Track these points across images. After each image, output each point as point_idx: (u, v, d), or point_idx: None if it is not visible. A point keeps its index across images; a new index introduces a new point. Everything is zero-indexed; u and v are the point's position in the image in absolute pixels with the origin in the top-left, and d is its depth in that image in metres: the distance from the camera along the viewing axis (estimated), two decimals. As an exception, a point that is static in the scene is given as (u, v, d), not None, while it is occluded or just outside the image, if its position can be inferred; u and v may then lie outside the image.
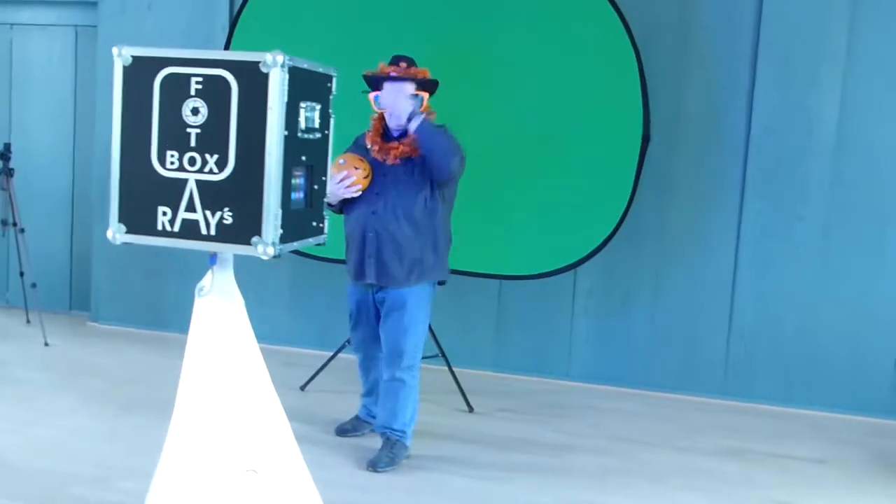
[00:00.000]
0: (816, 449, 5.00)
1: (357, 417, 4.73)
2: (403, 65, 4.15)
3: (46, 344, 6.26)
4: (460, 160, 4.11)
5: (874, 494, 4.35)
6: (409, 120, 4.07)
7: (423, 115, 4.10)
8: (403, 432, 4.34)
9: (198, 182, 2.55)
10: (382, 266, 4.16)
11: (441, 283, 4.39)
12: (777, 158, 5.64)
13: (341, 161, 4.10)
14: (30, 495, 3.75)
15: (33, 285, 6.48)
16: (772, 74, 5.60)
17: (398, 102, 4.09)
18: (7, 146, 6.45)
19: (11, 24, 7.23)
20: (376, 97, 4.16)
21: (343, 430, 4.68)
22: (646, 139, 5.34)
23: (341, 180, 4.05)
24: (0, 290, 7.41)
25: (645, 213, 5.78)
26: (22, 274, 6.65)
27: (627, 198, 5.37)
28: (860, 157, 5.53)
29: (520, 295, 6.04)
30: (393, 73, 4.11)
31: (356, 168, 4.10)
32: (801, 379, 5.71)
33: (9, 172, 6.41)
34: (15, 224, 6.44)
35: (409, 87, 4.12)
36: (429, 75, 4.19)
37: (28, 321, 6.79)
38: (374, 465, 4.25)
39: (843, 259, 5.59)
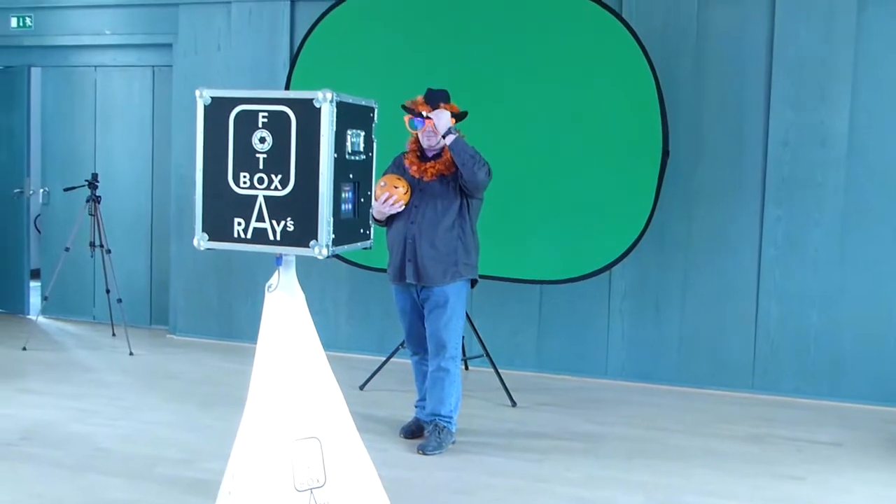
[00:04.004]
0: (835, 434, 5.40)
1: (417, 419, 5.17)
2: (442, 106, 4.72)
3: (131, 353, 6.92)
4: (487, 172, 4.69)
5: (881, 471, 4.75)
6: (447, 135, 4.64)
7: (458, 133, 4.67)
8: (450, 418, 4.87)
9: (265, 197, 3.14)
10: (421, 268, 4.73)
11: (473, 283, 4.94)
12: (794, 169, 6.07)
13: (382, 183, 4.67)
14: (123, 474, 4.36)
15: (119, 301, 7.14)
16: (785, 92, 6.05)
17: (440, 120, 4.66)
18: (94, 176, 7.17)
19: (95, 66, 7.98)
20: (411, 121, 4.74)
21: (409, 432, 5.08)
22: (665, 153, 5.84)
23: (385, 200, 4.63)
24: (88, 306, 8.11)
25: (673, 222, 6.26)
26: (108, 291, 7.33)
27: (651, 206, 5.87)
28: (870, 164, 5.95)
29: (559, 300, 6.54)
30: (426, 114, 4.69)
31: (396, 187, 4.68)
32: (825, 372, 6.10)
33: (96, 199, 7.11)
34: (101, 245, 7.13)
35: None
36: (457, 109, 4.77)
37: (114, 334, 7.48)
38: (423, 449, 4.79)
39: (859, 260, 5.99)
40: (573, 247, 6.13)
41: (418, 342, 5.03)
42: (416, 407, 5.19)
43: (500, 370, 5.95)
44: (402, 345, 5.78)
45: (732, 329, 6.27)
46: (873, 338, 6.00)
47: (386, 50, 6.47)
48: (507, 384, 5.90)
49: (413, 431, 5.06)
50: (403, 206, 4.73)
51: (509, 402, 5.83)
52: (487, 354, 5.95)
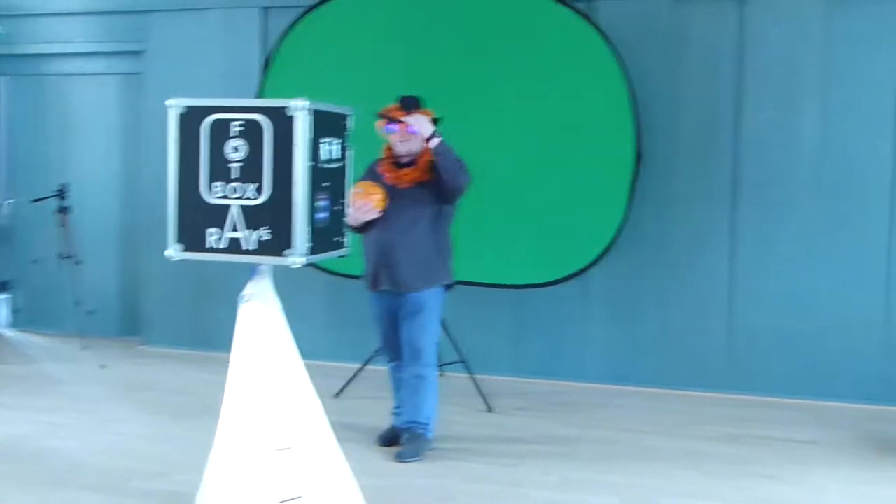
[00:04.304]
0: (811, 433, 5.43)
1: (394, 427, 5.12)
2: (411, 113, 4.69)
3: (103, 366, 6.82)
4: (467, 179, 4.68)
5: (857, 469, 4.79)
6: (430, 139, 4.61)
7: (441, 138, 4.64)
8: (426, 425, 4.85)
9: (240, 207, 3.12)
10: (397, 274, 4.72)
11: (449, 287, 4.92)
12: (765, 170, 6.12)
13: (358, 190, 4.65)
14: (98, 488, 4.30)
15: (91, 312, 7.04)
16: (756, 94, 6.11)
17: (422, 126, 4.64)
18: (64, 186, 7.08)
19: (65, 75, 7.89)
20: (386, 127, 4.73)
21: (386, 440, 5.06)
22: (638, 156, 5.87)
23: (360, 207, 4.61)
24: (58, 318, 7.95)
25: (647, 225, 6.29)
26: (78, 303, 7.22)
27: (624, 209, 5.89)
28: (841, 164, 6.02)
29: (535, 304, 6.54)
30: (402, 119, 4.66)
31: (372, 194, 4.66)
32: (799, 371, 6.15)
33: (64, 210, 7.02)
34: (70, 256, 7.04)
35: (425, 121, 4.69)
36: (431, 114, 4.75)
37: (85, 346, 7.36)
38: (400, 457, 4.77)
39: (830, 258, 6.05)
40: (548, 251, 6.15)
41: (394, 349, 5.01)
42: (392, 414, 5.16)
43: (476, 375, 5.95)
44: (377, 351, 5.76)
45: (708, 330, 6.31)
46: (847, 336, 6.05)
47: (359, 56, 6.46)
48: (483, 389, 5.89)
49: (390, 439, 5.04)
50: (379, 213, 4.71)
51: (485, 408, 5.81)
52: (463, 360, 5.94)
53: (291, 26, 6.58)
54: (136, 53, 7.49)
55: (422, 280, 4.74)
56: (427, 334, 4.79)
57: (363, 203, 4.63)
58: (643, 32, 6.24)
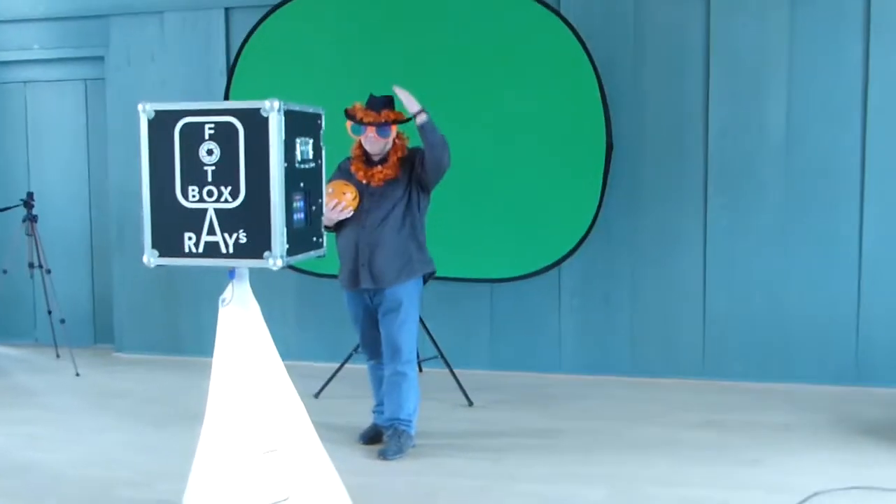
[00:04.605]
0: (785, 416, 5.49)
1: (375, 425, 5.13)
2: (385, 112, 4.68)
3: (77, 374, 6.75)
4: (449, 157, 4.67)
5: (830, 450, 4.85)
6: (418, 115, 4.58)
7: (428, 115, 4.60)
8: (409, 422, 4.85)
9: (216, 210, 3.09)
10: (376, 271, 4.71)
11: (428, 276, 4.93)
12: (734, 160, 6.16)
13: (329, 190, 4.63)
14: (81, 500, 4.25)
15: (62, 321, 6.97)
16: (723, 83, 6.14)
17: (410, 103, 4.60)
18: (30, 195, 6.98)
19: (24, 82, 7.78)
20: (354, 126, 4.72)
21: (368, 438, 5.06)
22: (609, 147, 5.91)
23: (334, 207, 4.59)
24: (29, 328, 7.91)
25: (619, 215, 6.32)
26: (50, 312, 7.15)
27: (597, 200, 5.92)
28: (808, 152, 6.06)
29: (510, 298, 6.56)
30: (371, 121, 4.65)
31: (344, 193, 4.65)
32: (773, 356, 6.20)
33: (33, 219, 6.93)
34: (41, 266, 6.95)
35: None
36: (402, 117, 4.72)
37: (58, 356, 7.28)
38: (384, 455, 4.77)
39: (801, 245, 6.10)
40: (522, 244, 6.17)
41: (373, 347, 5.01)
42: (373, 413, 5.16)
43: (454, 370, 5.95)
44: (355, 350, 5.75)
45: (681, 317, 6.35)
46: (817, 320, 6.11)
47: (325, 55, 6.43)
48: (462, 383, 5.89)
49: (372, 437, 5.04)
50: (353, 212, 4.70)
51: (465, 402, 5.83)
52: (442, 355, 5.94)
53: (255, 27, 6.53)
54: (96, 58, 7.39)
55: (400, 274, 4.74)
56: (406, 331, 4.78)
57: (336, 202, 4.62)
58: (610, 24, 6.25)
